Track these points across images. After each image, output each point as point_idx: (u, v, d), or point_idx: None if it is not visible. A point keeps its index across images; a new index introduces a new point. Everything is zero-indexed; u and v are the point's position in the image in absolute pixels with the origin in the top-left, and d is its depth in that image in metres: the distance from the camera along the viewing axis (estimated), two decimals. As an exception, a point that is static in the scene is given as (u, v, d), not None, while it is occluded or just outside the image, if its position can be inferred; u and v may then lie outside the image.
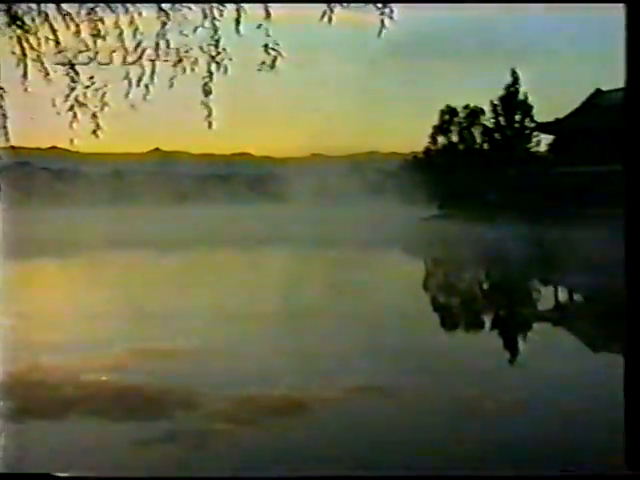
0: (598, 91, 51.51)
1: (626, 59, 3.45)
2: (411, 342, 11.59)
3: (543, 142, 57.91)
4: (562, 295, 19.72)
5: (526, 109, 57.05)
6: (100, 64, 5.57)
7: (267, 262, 28.97)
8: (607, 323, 13.92)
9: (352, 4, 5.08)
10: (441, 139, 59.84)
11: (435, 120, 59.80)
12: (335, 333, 12.47)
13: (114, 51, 5.49)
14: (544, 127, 54.34)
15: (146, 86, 5.63)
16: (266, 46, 5.28)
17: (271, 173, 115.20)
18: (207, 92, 5.58)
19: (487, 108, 57.76)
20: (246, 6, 5.20)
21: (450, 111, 59.22)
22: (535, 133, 56.98)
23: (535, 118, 56.16)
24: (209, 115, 5.63)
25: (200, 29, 5.24)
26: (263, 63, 5.35)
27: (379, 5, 4.93)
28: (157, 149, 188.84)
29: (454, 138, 59.08)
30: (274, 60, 5.37)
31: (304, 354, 10.59)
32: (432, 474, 5.23)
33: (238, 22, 5.19)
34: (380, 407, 7.95)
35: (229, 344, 11.45)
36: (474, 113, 58.64)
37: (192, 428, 7.14)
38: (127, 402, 8.04)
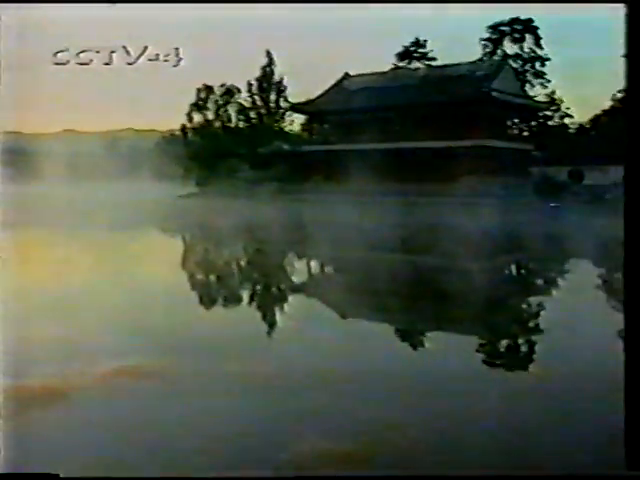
0: (346, 75, 54.25)
1: (626, 59, 3.56)
2: (169, 320, 11.57)
3: (297, 121, 60.16)
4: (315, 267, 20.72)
5: (281, 89, 58.76)
6: None
7: (15, 245, 27.13)
8: (354, 292, 14.93)
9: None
10: (197, 117, 59.84)
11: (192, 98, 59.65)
12: (91, 314, 12.09)
13: None
14: (297, 107, 56.29)
15: None
16: None
17: (19, 149, 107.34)
18: None
19: (243, 87, 58.74)
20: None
21: (206, 89, 59.29)
22: (289, 113, 58.89)
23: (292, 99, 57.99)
24: None
25: None
26: None
27: None
28: None
29: (210, 116, 59.31)
30: None
31: (60, 339, 10.11)
32: (432, 474, 5.25)
33: None
34: (142, 389, 7.83)
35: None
36: (230, 92, 59.25)
37: None
38: None
